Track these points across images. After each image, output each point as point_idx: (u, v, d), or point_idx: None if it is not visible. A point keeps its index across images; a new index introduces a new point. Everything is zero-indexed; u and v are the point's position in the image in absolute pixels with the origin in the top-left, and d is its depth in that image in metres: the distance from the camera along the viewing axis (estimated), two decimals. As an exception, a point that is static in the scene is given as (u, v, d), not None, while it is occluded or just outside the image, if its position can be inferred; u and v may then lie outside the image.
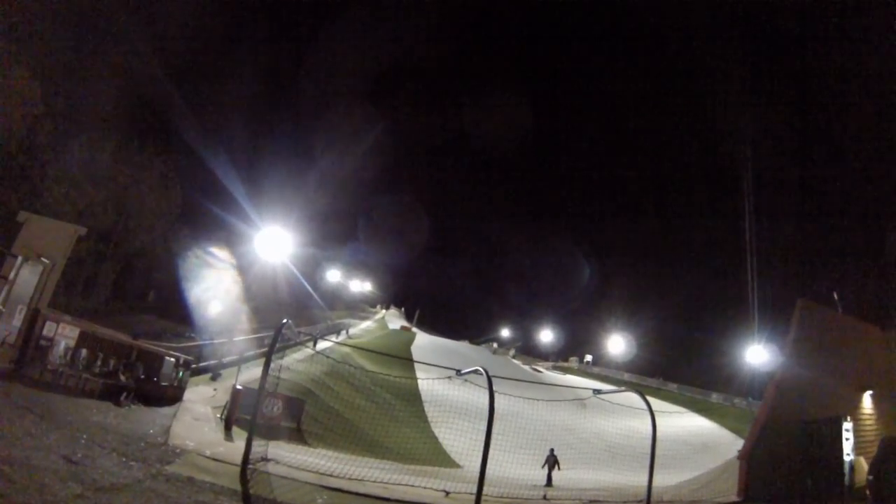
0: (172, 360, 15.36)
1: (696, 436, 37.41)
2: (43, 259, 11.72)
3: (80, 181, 24.98)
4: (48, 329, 11.56)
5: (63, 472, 5.36)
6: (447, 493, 11.94)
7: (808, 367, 17.87)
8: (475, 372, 13.12)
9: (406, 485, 11.96)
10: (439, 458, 22.82)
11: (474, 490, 10.87)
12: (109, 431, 8.49)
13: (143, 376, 13.66)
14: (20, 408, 7.99)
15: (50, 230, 12.65)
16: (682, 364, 70.09)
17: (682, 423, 39.79)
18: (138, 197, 29.19)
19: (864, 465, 17.84)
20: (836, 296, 23.80)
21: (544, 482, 18.89)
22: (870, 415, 20.79)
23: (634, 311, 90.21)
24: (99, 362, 12.60)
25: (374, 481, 11.40)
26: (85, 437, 7.40)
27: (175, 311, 29.10)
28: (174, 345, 19.54)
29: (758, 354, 44.12)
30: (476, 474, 11.51)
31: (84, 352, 12.28)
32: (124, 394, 12.42)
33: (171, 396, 14.63)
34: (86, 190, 25.14)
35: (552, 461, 19.83)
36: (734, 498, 15.09)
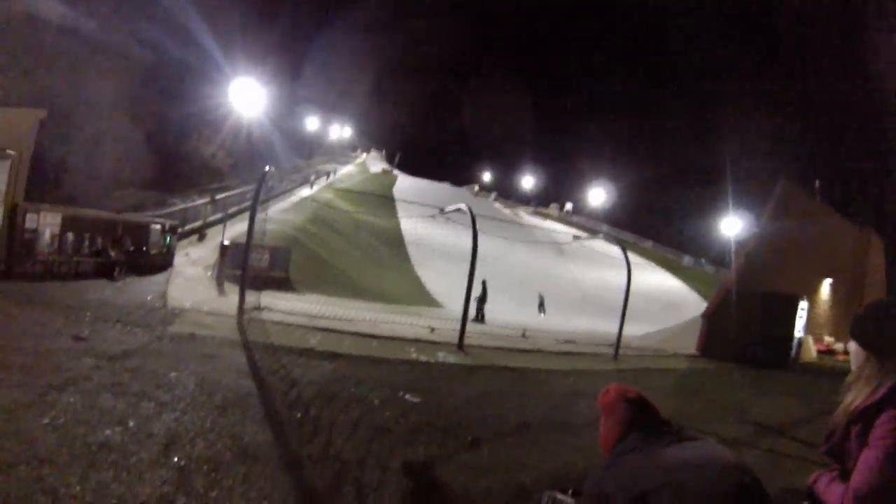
0: (158, 227, 15.93)
1: (665, 293, 38.87)
2: (8, 151, 11.50)
3: (30, 65, 23.67)
4: (30, 221, 11.69)
5: (75, 350, 6.02)
6: (432, 330, 12.80)
7: (778, 244, 18.44)
8: (458, 210, 13.53)
9: (393, 322, 12.84)
10: (423, 298, 24.03)
11: (457, 327, 11.88)
12: (110, 306, 9.19)
13: (131, 248, 14.25)
14: (21, 303, 8.56)
15: (8, 120, 12.23)
16: (659, 223, 71.18)
17: (653, 279, 41.19)
18: (96, 69, 27.64)
19: (811, 344, 18.96)
20: (817, 184, 23.87)
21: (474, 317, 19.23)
22: (825, 302, 22.25)
23: (619, 166, 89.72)
24: (87, 243, 13.06)
25: (363, 321, 12.28)
26: (88, 314, 8.09)
27: (154, 180, 28.98)
28: (158, 212, 19.96)
29: (732, 225, 44.71)
30: (458, 313, 12.43)
31: (70, 236, 12.64)
32: (117, 268, 13.09)
33: (162, 263, 15.44)
34: (37, 74, 23.94)
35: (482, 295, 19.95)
36: (693, 352, 16.31)
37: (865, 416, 2.23)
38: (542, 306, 24.72)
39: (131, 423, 4.30)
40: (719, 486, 1.86)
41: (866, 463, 2.14)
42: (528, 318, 20.00)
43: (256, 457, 4.25)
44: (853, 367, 2.47)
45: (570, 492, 2.45)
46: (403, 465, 4.66)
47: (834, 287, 22.76)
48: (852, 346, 2.49)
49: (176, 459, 3.88)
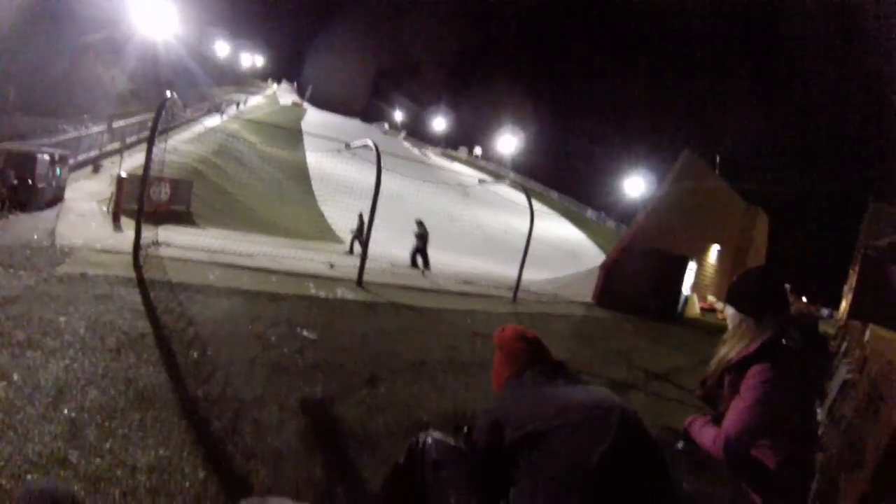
0: (46, 157, 14.86)
1: (567, 242, 40.51)
2: None
3: None
4: None
5: None
6: (332, 266, 12.95)
7: (676, 208, 19.90)
8: (364, 146, 13.46)
9: (294, 258, 12.82)
10: (325, 233, 24.36)
11: (357, 264, 12.03)
12: None
13: (15, 182, 13.31)
14: None
15: None
16: (566, 176, 73.69)
17: (556, 229, 42.59)
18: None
19: (695, 301, 21.07)
20: (717, 158, 26.53)
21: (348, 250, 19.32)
22: (712, 265, 25.07)
23: (531, 117, 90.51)
24: None
25: (263, 255, 12.23)
26: None
27: (43, 105, 26.73)
28: (47, 141, 18.72)
29: (636, 186, 47.52)
30: (359, 250, 12.39)
31: None
32: (-2, 204, 12.20)
33: (51, 197, 14.54)
34: None
35: (360, 227, 18.90)
36: (590, 300, 17.23)
37: (738, 368, 2.56)
38: (420, 251, 18.69)
39: (16, 377, 4.18)
40: (606, 426, 2.02)
41: (737, 409, 2.44)
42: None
43: (152, 401, 4.26)
44: (730, 326, 2.80)
45: (465, 429, 2.58)
46: (301, 403, 4.80)
47: (721, 253, 25.87)
48: (729, 310, 2.82)
49: (66, 412, 3.82)
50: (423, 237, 18.53)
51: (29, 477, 3.01)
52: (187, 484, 3.29)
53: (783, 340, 2.51)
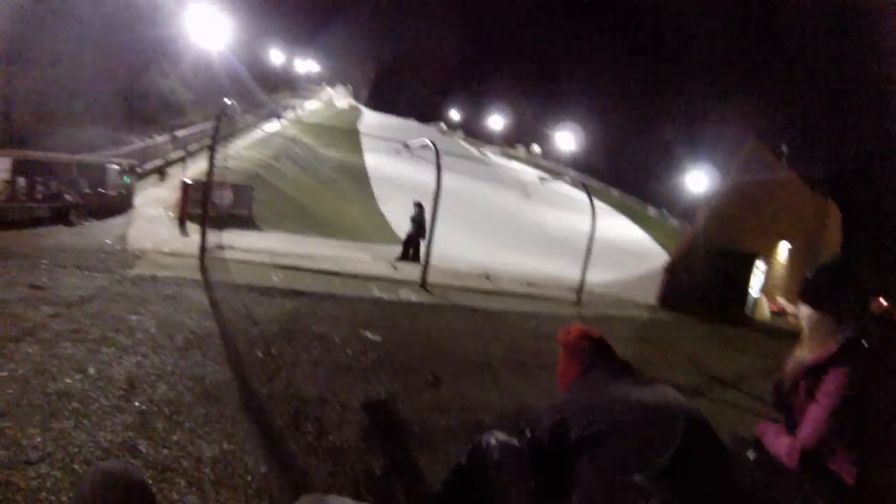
0: (116, 167, 15.39)
1: (629, 242, 39.45)
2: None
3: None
4: (-24, 168, 11.02)
5: (33, 299, 5.90)
6: (395, 267, 12.96)
7: (741, 203, 18.71)
8: (423, 147, 13.39)
9: (356, 259, 13.00)
10: (386, 234, 24.12)
11: (420, 264, 12.00)
12: (68, 251, 8.99)
13: (88, 190, 13.80)
14: (-29, 255, 8.23)
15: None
16: (627, 173, 72.00)
17: (618, 227, 41.46)
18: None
19: (764, 303, 19.69)
20: (784, 148, 24.20)
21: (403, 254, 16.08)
22: (781, 264, 23.21)
23: (590, 114, 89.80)
24: (40, 187, 12.51)
25: (325, 258, 12.35)
26: (45, 262, 7.87)
27: (110, 117, 27.83)
28: (115, 152, 19.42)
29: (698, 181, 45.66)
30: (421, 250, 12.27)
31: (22, 181, 12.11)
32: (73, 212, 12.68)
33: (122, 204, 15.02)
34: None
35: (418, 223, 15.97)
36: (653, 302, 16.58)
37: (814, 372, 2.36)
38: (412, 241, 16.02)
39: (91, 370, 4.34)
40: (673, 427, 1.97)
41: (813, 417, 2.27)
42: (487, 256, 20.04)
43: (217, 397, 4.35)
44: (805, 327, 2.56)
45: (527, 432, 2.50)
46: (363, 403, 4.81)
47: (791, 251, 23.94)
48: (804, 309, 2.57)
49: (137, 404, 3.95)
50: (418, 223, 15.76)
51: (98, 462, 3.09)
52: (249, 477, 3.35)
53: (864, 342, 2.30)
